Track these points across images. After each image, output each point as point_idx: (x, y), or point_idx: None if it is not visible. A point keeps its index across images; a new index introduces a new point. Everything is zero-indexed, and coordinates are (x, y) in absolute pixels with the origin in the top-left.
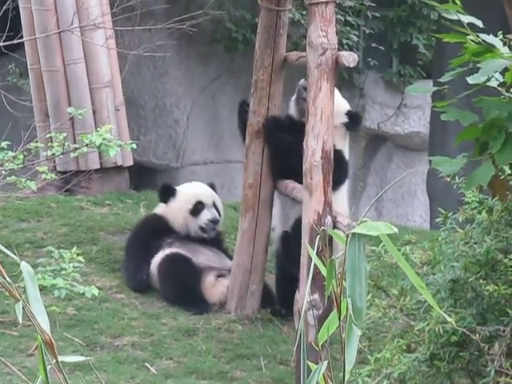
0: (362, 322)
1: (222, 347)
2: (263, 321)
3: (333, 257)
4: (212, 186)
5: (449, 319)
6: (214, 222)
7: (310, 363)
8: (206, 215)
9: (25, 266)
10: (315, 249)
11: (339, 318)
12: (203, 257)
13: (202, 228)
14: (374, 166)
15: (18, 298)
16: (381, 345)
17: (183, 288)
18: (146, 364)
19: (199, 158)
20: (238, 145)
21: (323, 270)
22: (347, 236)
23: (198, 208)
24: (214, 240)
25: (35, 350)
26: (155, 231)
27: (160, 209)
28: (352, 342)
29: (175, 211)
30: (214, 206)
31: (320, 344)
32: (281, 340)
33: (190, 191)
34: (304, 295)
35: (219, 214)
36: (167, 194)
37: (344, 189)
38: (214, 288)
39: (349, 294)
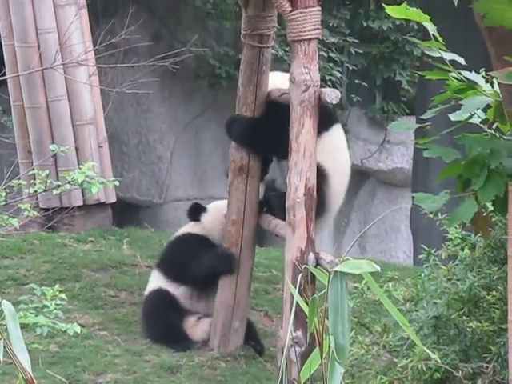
0: (345, 359)
1: None
2: (246, 358)
3: (315, 295)
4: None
5: (432, 356)
6: None
7: None
8: None
9: (6, 305)
10: (297, 286)
11: (321, 356)
12: (191, 299)
13: None
14: (357, 202)
15: None
16: (364, 382)
17: (166, 325)
18: None
19: (182, 194)
20: (221, 181)
21: (305, 308)
22: (329, 274)
23: None
24: None
25: None
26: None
27: (189, 227)
28: (335, 379)
29: (212, 222)
30: None
31: (302, 382)
32: (264, 377)
33: (219, 204)
34: (287, 332)
35: None
36: (198, 211)
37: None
38: (197, 326)
39: (331, 331)
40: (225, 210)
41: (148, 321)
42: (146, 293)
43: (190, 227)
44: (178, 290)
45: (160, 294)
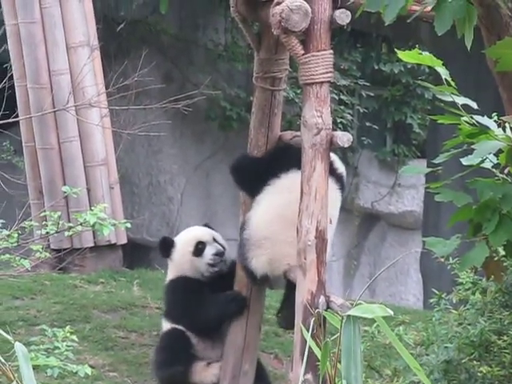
0: None
1: None
2: None
3: (327, 339)
4: (207, 226)
5: None
6: (219, 254)
7: None
8: (210, 251)
9: (19, 347)
10: (310, 330)
11: None
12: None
13: (210, 264)
14: (367, 245)
15: (11, 379)
16: None
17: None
18: None
19: None
20: (232, 222)
21: (317, 352)
22: (342, 318)
23: (199, 248)
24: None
25: None
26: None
27: (173, 268)
28: None
29: (180, 259)
30: (215, 241)
31: None
32: None
33: (187, 236)
34: (297, 375)
35: (222, 247)
36: (167, 246)
37: None
38: (207, 371)
39: (344, 376)
40: (192, 241)
41: (158, 357)
42: (161, 333)
43: (173, 268)
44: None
45: (175, 332)
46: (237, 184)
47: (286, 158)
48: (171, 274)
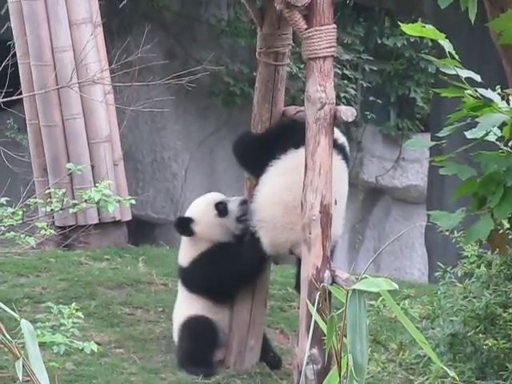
0: (364, 378)
1: None
2: (262, 375)
3: (333, 313)
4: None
5: (450, 373)
6: (243, 203)
7: None
8: (233, 204)
9: (25, 324)
10: (315, 304)
11: (339, 375)
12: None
13: (238, 218)
14: (371, 220)
15: (18, 356)
16: None
17: (197, 353)
18: None
19: None
20: None
21: (323, 326)
22: (347, 292)
23: (221, 208)
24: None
25: None
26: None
27: (194, 249)
28: None
29: (207, 230)
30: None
31: None
32: None
33: (201, 205)
34: (303, 349)
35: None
36: (186, 224)
37: None
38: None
39: (350, 350)
40: (211, 207)
41: (182, 347)
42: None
43: (196, 243)
44: (216, 316)
45: (200, 319)
46: (240, 164)
47: (287, 136)
48: (194, 251)
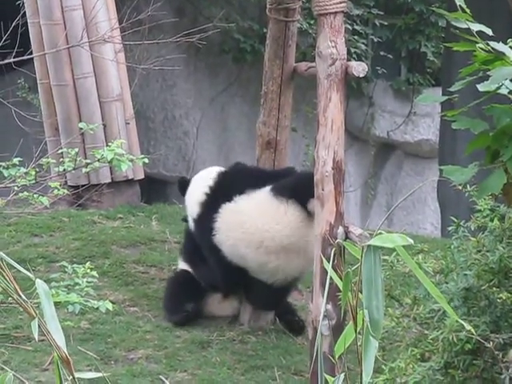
0: (380, 333)
1: (236, 359)
2: (277, 332)
3: (348, 269)
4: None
5: (467, 327)
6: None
7: (326, 376)
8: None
9: (40, 284)
10: (331, 260)
11: (355, 331)
12: None
13: None
14: (384, 175)
15: (33, 316)
16: (395, 354)
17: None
18: (161, 377)
19: None
20: (248, 155)
21: (338, 282)
22: (362, 248)
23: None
24: None
25: (50, 364)
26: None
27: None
28: (369, 353)
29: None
30: None
31: (337, 356)
32: (295, 351)
33: (204, 173)
34: (317, 306)
35: None
36: (187, 186)
37: None
38: (225, 302)
39: (366, 306)
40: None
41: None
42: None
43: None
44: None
45: (181, 274)
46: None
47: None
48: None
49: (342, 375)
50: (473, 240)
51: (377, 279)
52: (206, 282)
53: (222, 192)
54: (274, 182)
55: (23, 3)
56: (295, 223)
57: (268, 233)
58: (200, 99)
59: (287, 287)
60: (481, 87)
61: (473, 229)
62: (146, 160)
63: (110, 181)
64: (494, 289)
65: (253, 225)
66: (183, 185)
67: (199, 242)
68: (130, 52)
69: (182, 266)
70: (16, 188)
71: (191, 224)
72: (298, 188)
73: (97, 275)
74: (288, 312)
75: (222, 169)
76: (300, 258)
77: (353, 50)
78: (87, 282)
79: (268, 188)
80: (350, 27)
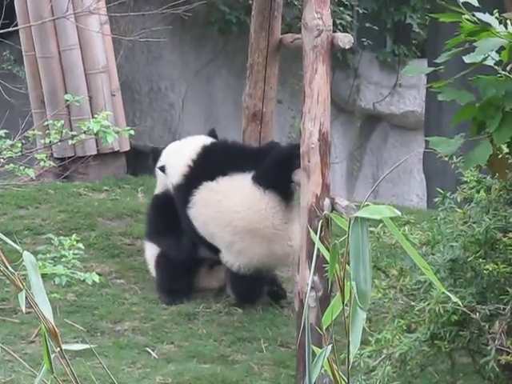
0: (367, 305)
1: (223, 331)
2: (263, 304)
3: (335, 241)
4: (213, 132)
5: (454, 298)
6: None
7: (314, 347)
8: None
9: (27, 256)
10: (318, 232)
11: (343, 302)
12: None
13: None
14: (369, 146)
15: (20, 288)
16: (381, 325)
17: (168, 280)
18: (147, 349)
19: None
20: (233, 128)
21: (325, 254)
22: (350, 220)
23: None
24: None
25: (36, 336)
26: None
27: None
28: (357, 325)
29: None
30: None
31: (324, 327)
32: (281, 322)
33: (190, 144)
34: (304, 277)
35: None
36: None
37: None
38: (211, 275)
39: (353, 277)
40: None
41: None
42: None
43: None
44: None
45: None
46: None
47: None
48: (160, 186)
49: (330, 346)
50: (459, 211)
51: (364, 251)
52: (174, 255)
53: (205, 169)
54: (258, 160)
55: None
56: (267, 212)
57: (238, 214)
58: (186, 71)
59: (255, 276)
60: (467, 59)
61: (459, 200)
62: (132, 132)
63: (95, 153)
64: (481, 260)
65: (226, 205)
66: (157, 156)
67: (177, 208)
68: (116, 24)
69: (149, 247)
70: (2, 160)
71: (171, 188)
72: (277, 177)
73: (83, 247)
74: (272, 283)
75: (208, 141)
76: (263, 246)
77: (338, 22)
78: (73, 254)
79: (250, 174)
80: None
